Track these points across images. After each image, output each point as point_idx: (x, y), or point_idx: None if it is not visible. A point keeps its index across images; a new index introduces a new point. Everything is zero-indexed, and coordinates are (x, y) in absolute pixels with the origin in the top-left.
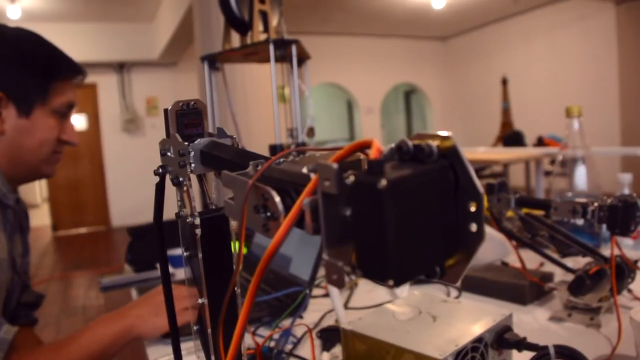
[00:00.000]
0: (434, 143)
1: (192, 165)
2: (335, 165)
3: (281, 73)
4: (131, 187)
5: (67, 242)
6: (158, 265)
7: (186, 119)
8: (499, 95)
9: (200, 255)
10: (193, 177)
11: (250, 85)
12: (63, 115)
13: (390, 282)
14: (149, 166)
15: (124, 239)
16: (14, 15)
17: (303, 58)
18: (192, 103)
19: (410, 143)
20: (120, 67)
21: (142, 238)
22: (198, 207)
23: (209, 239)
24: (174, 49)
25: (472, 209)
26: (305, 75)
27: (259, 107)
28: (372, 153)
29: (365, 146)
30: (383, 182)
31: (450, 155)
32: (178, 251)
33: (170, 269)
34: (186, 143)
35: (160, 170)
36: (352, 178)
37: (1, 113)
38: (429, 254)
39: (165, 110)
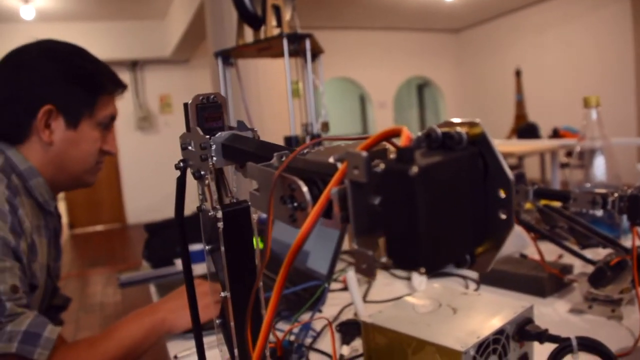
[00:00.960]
0: (463, 130)
1: (214, 158)
2: (364, 153)
3: (295, 68)
4: (146, 185)
5: (83, 240)
6: (175, 261)
7: (206, 112)
8: (512, 87)
9: (222, 248)
10: None
11: (264, 81)
12: (106, 126)
13: (422, 270)
14: (164, 163)
15: (140, 236)
16: (27, 16)
17: (316, 52)
18: (212, 97)
19: (439, 130)
20: (133, 65)
21: (158, 234)
22: None
23: (231, 232)
24: (187, 45)
25: (502, 195)
26: (319, 70)
27: (272, 103)
28: (403, 140)
29: (393, 134)
30: (414, 169)
31: (479, 142)
32: (196, 247)
33: None
34: (207, 136)
35: (182, 164)
36: (382, 166)
37: (50, 125)
38: (459, 242)
39: (185, 105)
